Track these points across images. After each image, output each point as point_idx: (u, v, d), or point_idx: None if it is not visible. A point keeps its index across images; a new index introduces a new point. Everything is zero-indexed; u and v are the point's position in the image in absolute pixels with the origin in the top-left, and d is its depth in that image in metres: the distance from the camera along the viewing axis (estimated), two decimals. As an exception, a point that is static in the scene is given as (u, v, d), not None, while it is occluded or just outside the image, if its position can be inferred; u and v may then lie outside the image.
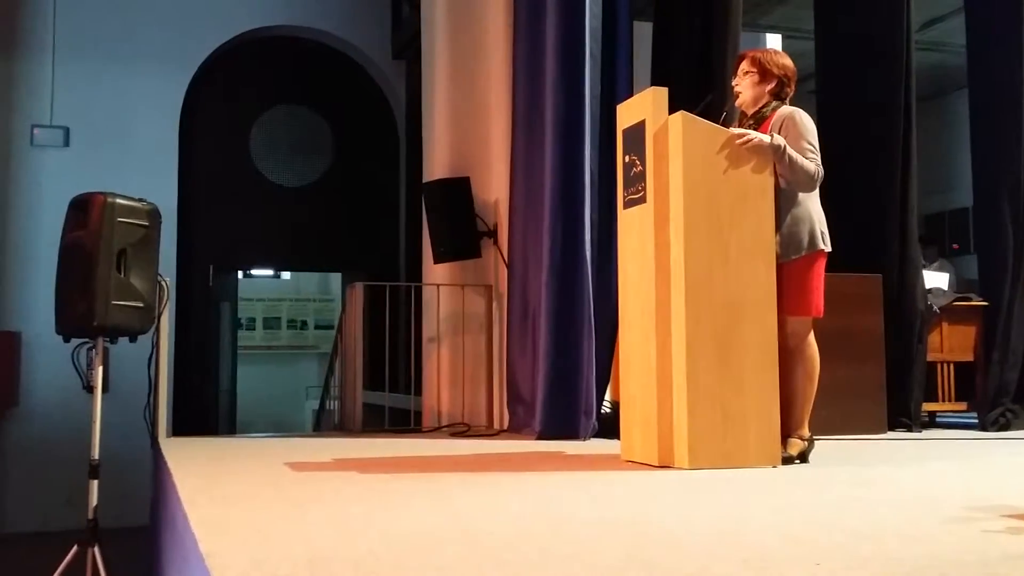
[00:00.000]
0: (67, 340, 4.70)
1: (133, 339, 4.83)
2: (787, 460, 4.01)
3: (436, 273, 7.28)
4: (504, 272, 6.47)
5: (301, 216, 10.89)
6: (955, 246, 9.59)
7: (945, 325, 6.42)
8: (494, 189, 6.79)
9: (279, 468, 4.12)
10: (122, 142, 9.96)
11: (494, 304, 6.81)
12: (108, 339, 4.70)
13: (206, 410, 10.61)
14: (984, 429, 6.06)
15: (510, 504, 3.15)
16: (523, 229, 6.12)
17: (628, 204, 4.22)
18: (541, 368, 5.58)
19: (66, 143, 9.94)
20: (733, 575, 2.04)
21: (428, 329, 7.43)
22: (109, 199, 4.58)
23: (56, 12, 9.95)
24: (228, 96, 10.80)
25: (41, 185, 9.72)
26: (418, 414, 7.46)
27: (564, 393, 5.43)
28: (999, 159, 6.36)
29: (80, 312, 4.51)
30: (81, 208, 4.63)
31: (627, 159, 4.22)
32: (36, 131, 9.88)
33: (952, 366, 6.44)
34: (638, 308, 4.13)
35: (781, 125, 4.06)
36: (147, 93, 10.14)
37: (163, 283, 5.13)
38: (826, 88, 6.65)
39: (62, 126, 9.93)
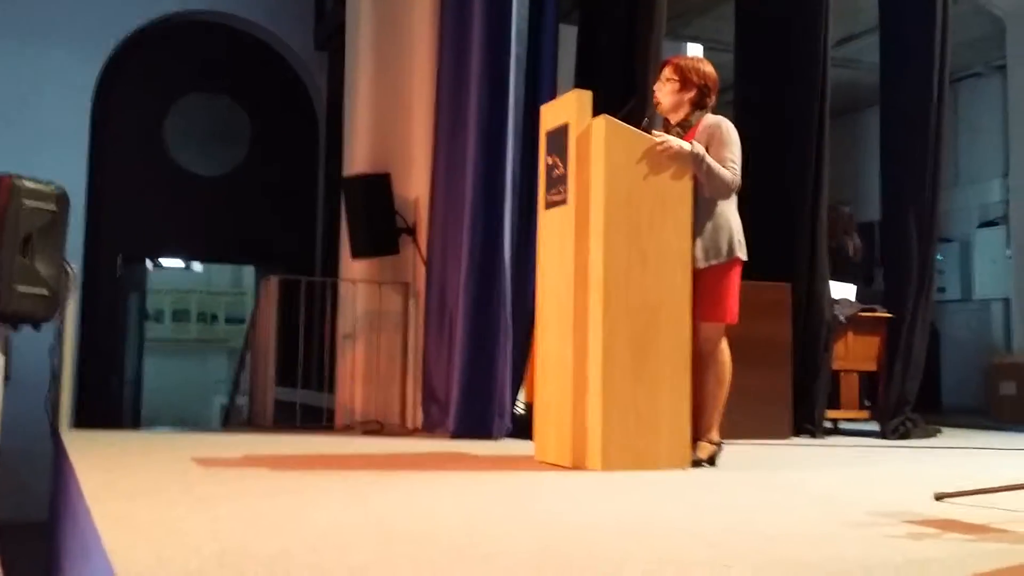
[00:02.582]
0: (-34, 326, 4.52)
1: (36, 327, 4.67)
2: (697, 463, 4.07)
3: (353, 269, 7.21)
4: (422, 270, 6.45)
5: (215, 207, 10.67)
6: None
7: (850, 335, 6.59)
8: (415, 186, 6.76)
9: (186, 463, 4.03)
10: (31, 124, 9.62)
11: (411, 302, 6.77)
12: (10, 326, 4.54)
13: (110, 402, 10.33)
14: (885, 437, 6.23)
15: (424, 503, 3.13)
16: (443, 227, 6.10)
17: (549, 205, 4.24)
18: (456, 367, 5.57)
19: (-29, 123, 9.58)
20: (645, 575, 2.06)
21: (344, 326, 7.36)
22: (16, 181, 4.42)
23: (-37, -14, 9.60)
24: (144, 80, 10.52)
25: (-57, 165, 9.35)
26: (331, 411, 7.38)
27: (479, 393, 5.43)
28: (907, 175, 6.54)
29: (-19, 297, 4.34)
30: (-15, 189, 4.46)
31: (549, 161, 4.24)
32: (-59, 111, 9.51)
33: (856, 375, 6.62)
34: (555, 310, 4.15)
35: (707, 134, 4.13)
36: (59, 74, 9.82)
37: (69, 270, 4.97)
38: (743, 100, 6.77)
39: (-33, 105, 9.57)
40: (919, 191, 6.49)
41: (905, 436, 6.19)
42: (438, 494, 3.36)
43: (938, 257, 7.41)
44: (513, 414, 5.52)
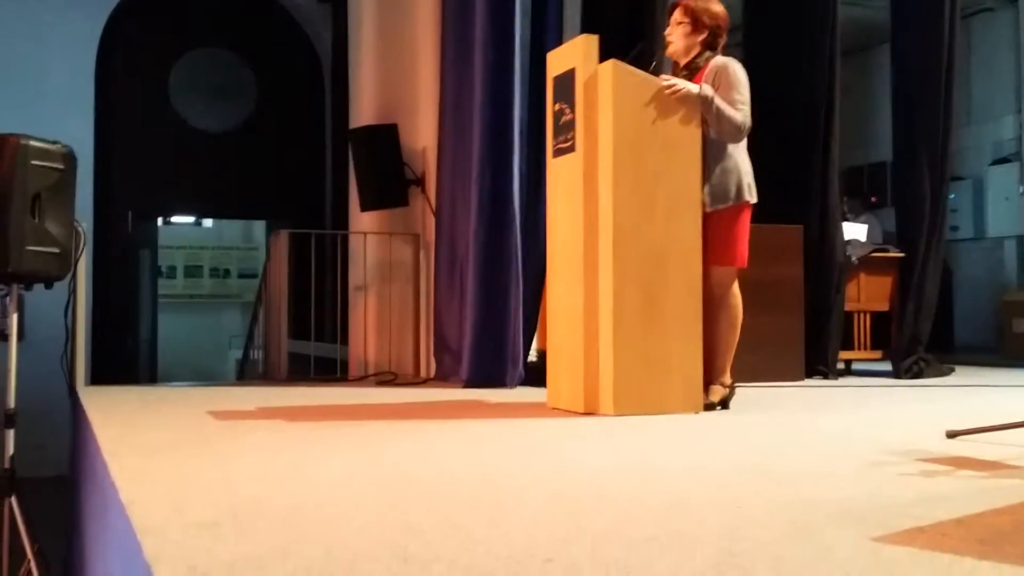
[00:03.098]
0: (-21, 286, 4.54)
1: (49, 286, 4.68)
2: (709, 407, 4.08)
3: (363, 221, 7.21)
4: (432, 221, 6.44)
5: (223, 162, 10.66)
6: (873, 199, 9.79)
7: (862, 276, 6.58)
8: (422, 137, 6.72)
9: (202, 417, 4.07)
10: (36, 83, 9.60)
11: (421, 253, 6.78)
12: (23, 285, 4.56)
13: (126, 359, 10.42)
14: (898, 377, 6.24)
15: (438, 451, 3.15)
16: (451, 177, 6.08)
17: (557, 153, 4.21)
18: (468, 317, 5.58)
19: (-25, 83, 9.56)
20: (657, 520, 2.07)
21: (355, 278, 7.37)
22: (23, 141, 4.41)
23: (-37, -53, 9.52)
24: (147, 37, 10.47)
25: (-51, 127, 9.34)
26: (344, 363, 7.42)
27: (491, 342, 5.44)
28: (919, 114, 6.47)
29: (-8, 257, 4.35)
30: (-8, 150, 4.46)
31: (557, 107, 4.20)
32: (-56, 72, 9.48)
33: (868, 316, 6.61)
34: (566, 257, 4.14)
35: (715, 76, 4.08)
36: (62, 30, 9.77)
37: (80, 229, 4.98)
38: (752, 40, 6.69)
39: (-29, 65, 9.54)
40: (931, 130, 6.43)
41: (918, 376, 6.20)
42: (451, 443, 3.38)
43: (950, 196, 7.36)
44: (527, 362, 5.54)
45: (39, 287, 4.68)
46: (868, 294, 6.60)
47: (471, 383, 5.43)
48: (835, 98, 6.33)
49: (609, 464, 2.87)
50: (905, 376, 6.21)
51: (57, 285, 4.76)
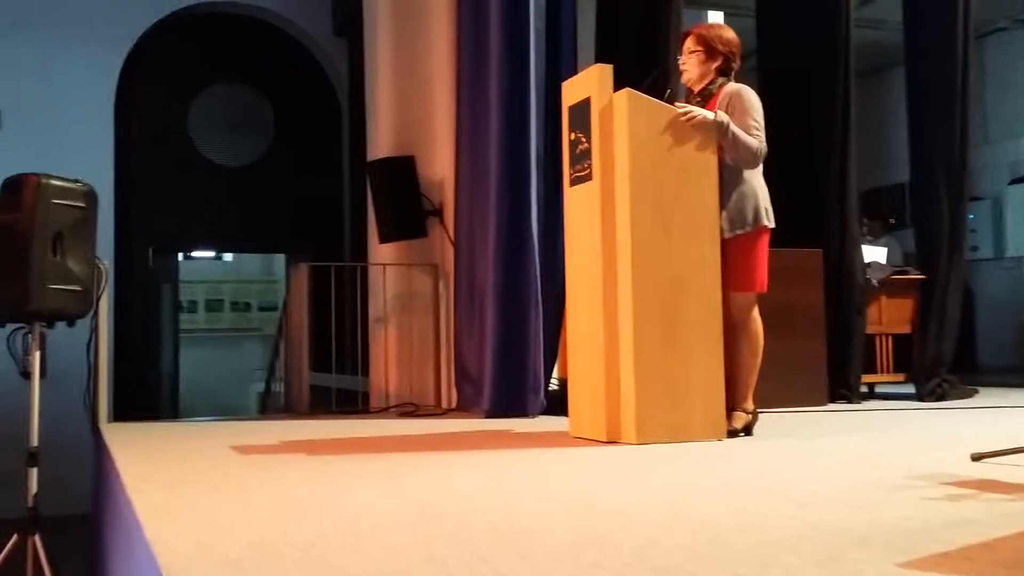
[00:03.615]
0: (2, 325, 4.58)
1: (71, 323, 4.72)
2: (732, 433, 4.06)
3: (382, 253, 7.23)
4: (451, 251, 6.45)
5: (243, 196, 10.73)
6: (892, 221, 9.75)
7: (883, 298, 6.54)
8: (439, 168, 6.76)
9: (225, 452, 4.08)
10: (55, 122, 9.70)
11: (441, 283, 6.79)
12: (45, 324, 4.59)
13: (148, 395, 10.45)
14: (921, 400, 6.19)
15: (461, 483, 3.15)
16: (469, 208, 6.10)
17: (574, 182, 4.22)
18: (489, 346, 5.58)
19: (-3, 124, 9.68)
20: (683, 547, 2.06)
21: (375, 309, 7.39)
22: (43, 180, 4.46)
23: (-17, -11, 9.67)
24: (165, 74, 10.57)
25: (-28, 167, 9.45)
26: (366, 395, 7.42)
27: (512, 371, 5.44)
28: (935, 134, 6.47)
29: (15, 296, 4.39)
30: (13, 190, 4.50)
31: (572, 136, 4.22)
32: (-34, 113, 9.61)
33: (890, 338, 6.57)
34: (585, 285, 4.14)
35: (728, 102, 4.09)
36: (81, 71, 9.88)
37: (101, 266, 5.02)
38: (766, 66, 6.70)
39: (-7, 107, 9.66)
40: (948, 150, 6.42)
41: (942, 398, 6.15)
42: (475, 474, 3.37)
43: (969, 216, 7.32)
44: (548, 390, 5.53)
45: (61, 325, 4.72)
46: (889, 316, 6.56)
47: (492, 413, 5.43)
48: (851, 120, 6.33)
49: (633, 492, 2.86)
50: (928, 398, 6.16)
51: (79, 322, 4.80)
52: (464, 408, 5.97)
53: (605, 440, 3.94)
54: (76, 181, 4.65)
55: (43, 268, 4.39)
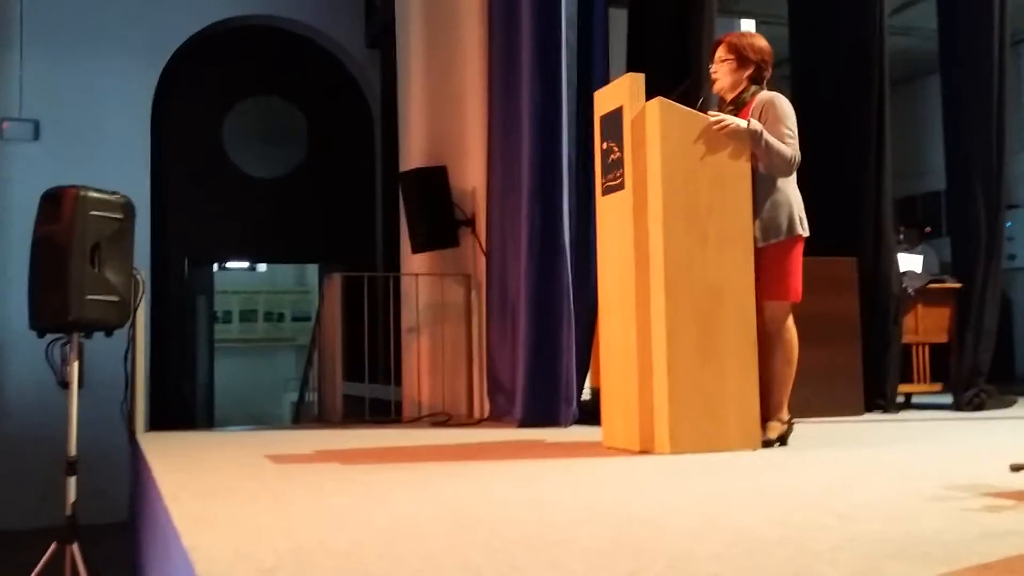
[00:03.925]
0: (41, 335, 4.64)
1: (109, 334, 4.78)
2: (767, 443, 4.03)
3: (414, 263, 7.26)
4: (483, 261, 6.46)
5: (277, 208, 10.82)
6: (928, 229, 9.66)
7: (920, 307, 6.48)
8: (471, 177, 6.78)
9: (260, 461, 4.11)
10: (93, 135, 9.85)
11: (473, 293, 6.80)
12: (83, 334, 4.65)
13: (183, 404, 10.55)
14: (959, 409, 6.12)
15: (495, 492, 3.15)
16: (501, 217, 6.11)
17: (606, 191, 4.22)
18: (521, 356, 5.58)
19: (36, 137, 9.82)
20: (718, 557, 2.05)
21: (407, 319, 7.42)
22: (82, 192, 4.53)
23: (23, 4, 9.82)
24: (200, 87, 10.70)
25: (11, 180, 9.60)
26: (398, 404, 7.45)
27: (544, 381, 5.44)
28: (971, 142, 6.42)
29: (54, 307, 4.46)
30: (53, 202, 4.58)
31: (604, 146, 4.22)
32: (5, 125, 9.74)
33: (927, 348, 6.50)
34: (617, 295, 4.13)
35: (761, 110, 4.08)
36: (118, 84, 10.03)
37: (138, 277, 5.08)
38: (800, 74, 6.68)
39: (32, 119, 9.80)
40: (984, 158, 6.37)
41: (980, 407, 6.08)
42: (508, 483, 3.37)
43: (1007, 224, 7.24)
44: (580, 400, 5.52)
45: (99, 335, 4.78)
46: (926, 326, 6.50)
47: (525, 423, 5.42)
48: (885, 128, 6.28)
49: (668, 502, 2.84)
50: (966, 408, 6.09)
51: (116, 332, 4.86)
52: (496, 418, 5.97)
53: (638, 450, 3.92)
54: (114, 193, 4.71)
55: (82, 279, 4.45)
